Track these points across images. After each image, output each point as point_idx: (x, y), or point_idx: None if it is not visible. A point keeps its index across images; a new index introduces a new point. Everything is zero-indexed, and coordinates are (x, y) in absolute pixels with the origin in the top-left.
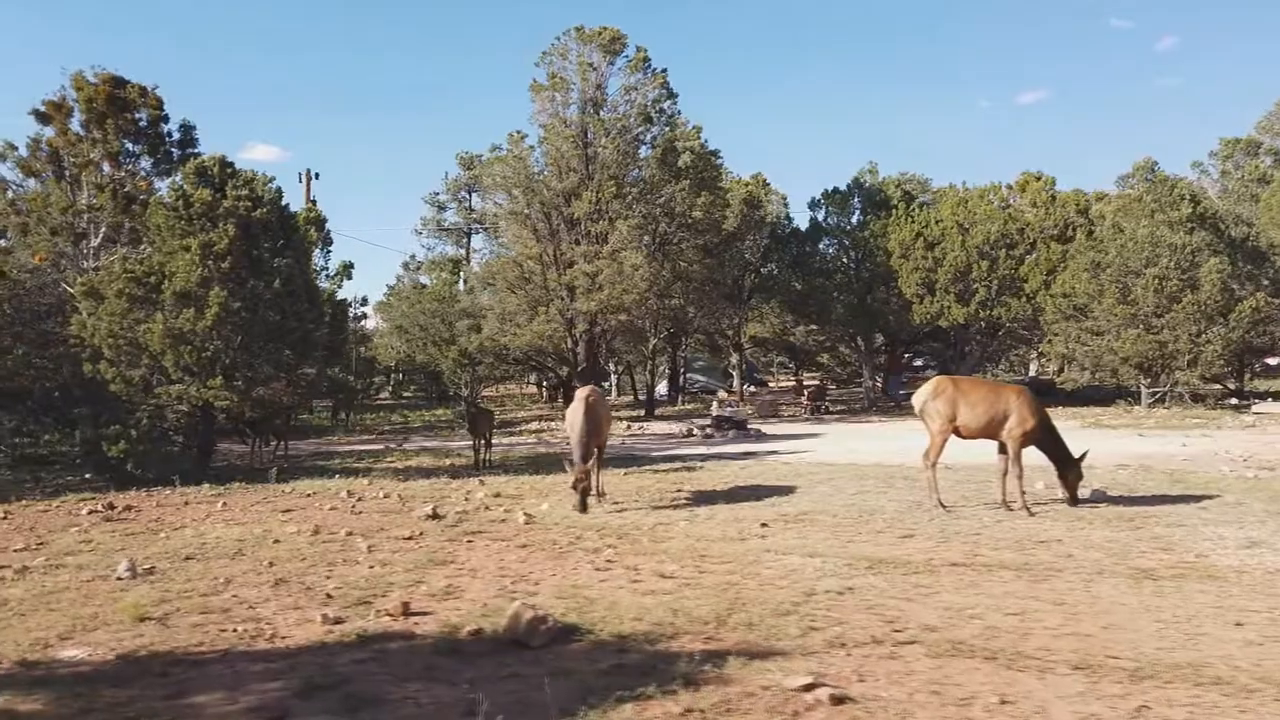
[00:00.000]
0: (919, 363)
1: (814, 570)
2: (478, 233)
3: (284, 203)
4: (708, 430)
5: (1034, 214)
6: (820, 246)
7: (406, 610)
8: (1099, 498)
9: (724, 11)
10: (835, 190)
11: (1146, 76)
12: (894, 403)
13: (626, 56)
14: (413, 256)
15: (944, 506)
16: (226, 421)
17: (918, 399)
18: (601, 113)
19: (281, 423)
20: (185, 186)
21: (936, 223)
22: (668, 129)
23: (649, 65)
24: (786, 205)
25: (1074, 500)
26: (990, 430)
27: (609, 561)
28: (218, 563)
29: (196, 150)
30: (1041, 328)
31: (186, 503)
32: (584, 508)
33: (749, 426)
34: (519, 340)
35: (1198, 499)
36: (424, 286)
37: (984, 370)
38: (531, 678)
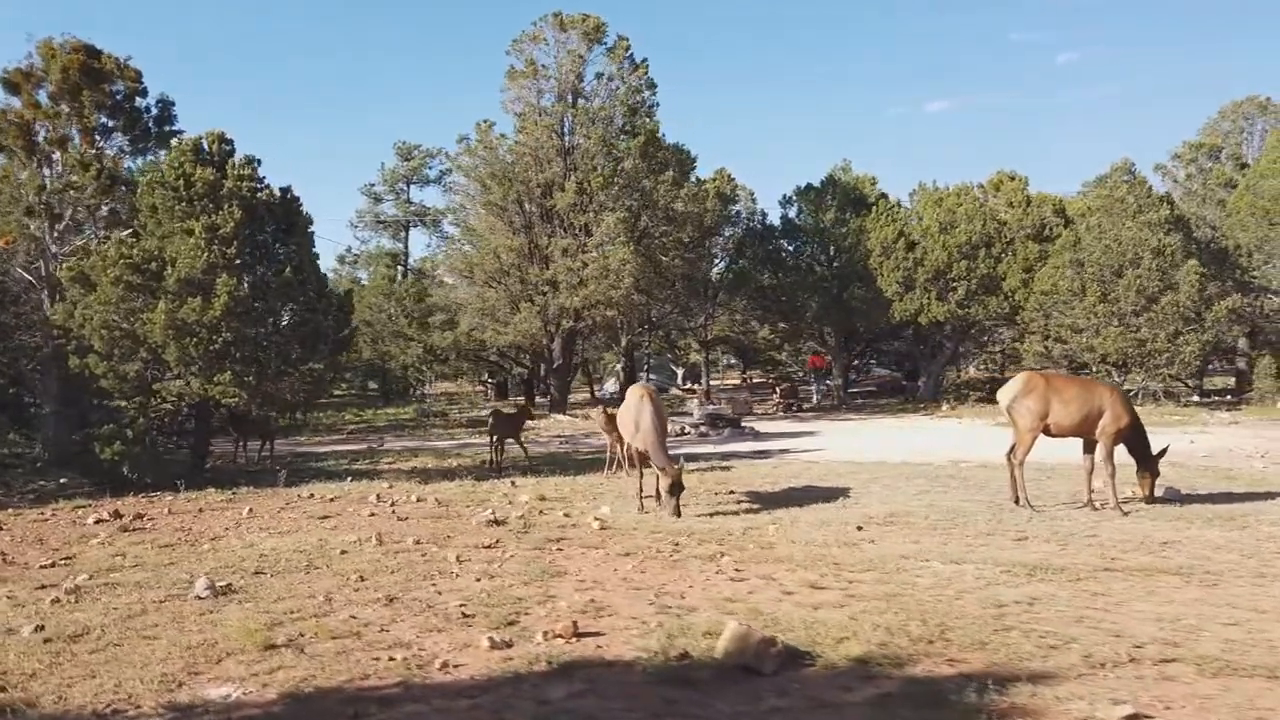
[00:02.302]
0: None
1: (973, 578)
2: (416, 226)
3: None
4: (702, 429)
5: (1011, 214)
6: (795, 244)
7: (577, 631)
8: (1173, 496)
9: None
10: (809, 187)
11: (1049, 88)
12: (794, 406)
13: (605, 45)
14: (349, 249)
15: (1032, 507)
16: (218, 422)
17: (1005, 396)
18: (579, 102)
19: (274, 422)
20: (185, 165)
21: (918, 221)
22: (648, 120)
23: (630, 55)
24: (755, 201)
25: (1151, 498)
26: (1084, 428)
27: (737, 570)
28: (295, 577)
29: (175, 128)
30: (1020, 324)
31: (201, 510)
32: (679, 512)
33: (743, 425)
34: (501, 337)
35: (1270, 496)
36: (359, 280)
37: (959, 367)
38: (797, 711)
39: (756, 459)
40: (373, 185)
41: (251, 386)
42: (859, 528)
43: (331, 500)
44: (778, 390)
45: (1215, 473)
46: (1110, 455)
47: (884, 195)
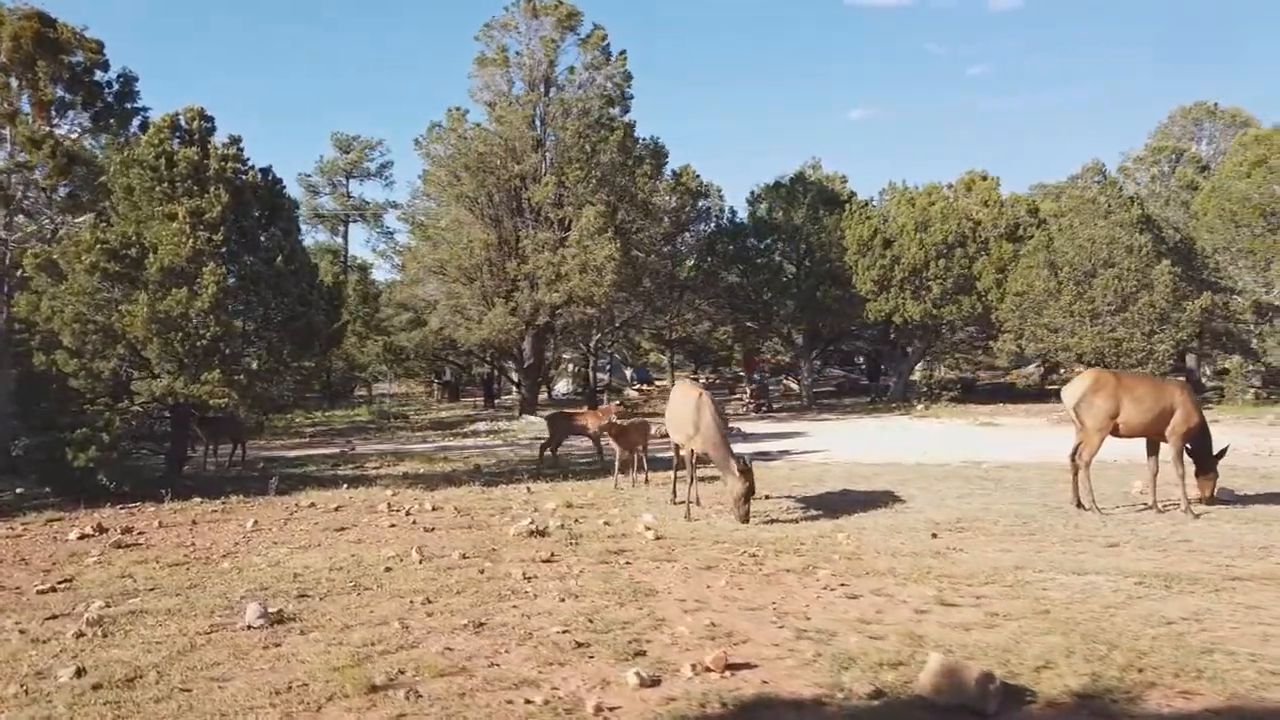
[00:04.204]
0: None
1: (1109, 591)
2: (356, 221)
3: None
4: None
5: (985, 213)
6: (764, 242)
7: (729, 664)
8: (1229, 498)
9: None
10: (778, 184)
11: (963, 97)
12: (764, 406)
13: (578, 34)
14: None
15: (1099, 510)
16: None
17: (1071, 394)
18: (552, 92)
19: (253, 425)
20: (165, 143)
21: (892, 220)
22: (625, 112)
23: (606, 45)
24: (722, 198)
25: (1211, 499)
26: (1155, 428)
27: (843, 585)
28: (348, 600)
29: (138, 105)
30: (995, 323)
31: (194, 522)
32: (747, 518)
33: (730, 425)
34: (475, 335)
35: None
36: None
37: (931, 368)
38: None
39: (763, 461)
40: (309, 175)
41: (242, 386)
42: (934, 535)
43: (337, 509)
44: (748, 390)
45: (1249, 473)
46: (1180, 455)
47: (854, 194)
